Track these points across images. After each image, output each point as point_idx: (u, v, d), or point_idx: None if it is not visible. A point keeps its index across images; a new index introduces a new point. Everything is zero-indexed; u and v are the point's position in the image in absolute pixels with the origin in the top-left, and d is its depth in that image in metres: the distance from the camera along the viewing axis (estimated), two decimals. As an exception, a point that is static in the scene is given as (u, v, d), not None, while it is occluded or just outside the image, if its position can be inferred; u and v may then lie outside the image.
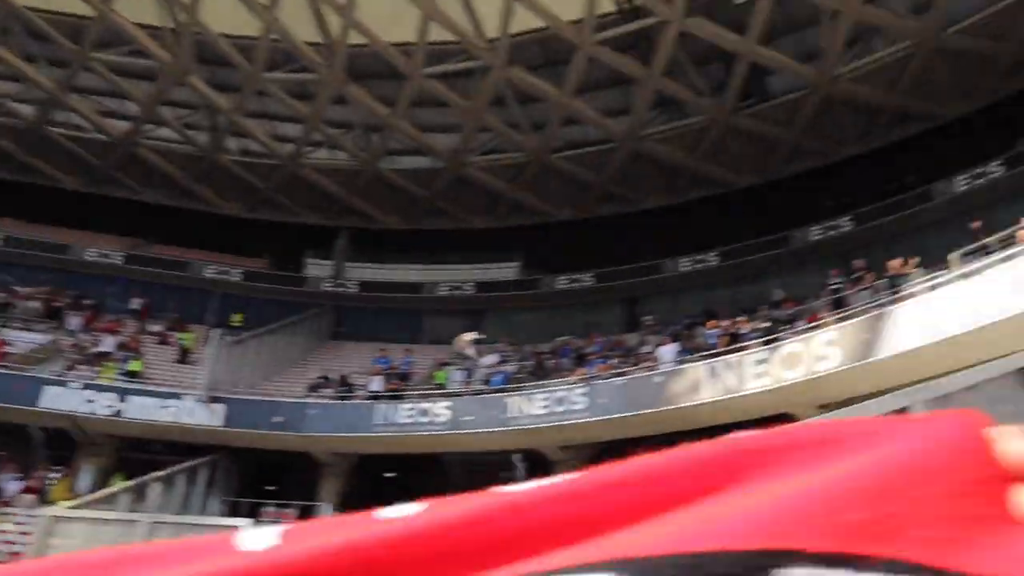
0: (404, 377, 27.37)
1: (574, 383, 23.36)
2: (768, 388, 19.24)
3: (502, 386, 24.70)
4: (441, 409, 23.45)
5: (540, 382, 24.87)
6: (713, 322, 25.15)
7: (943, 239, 26.15)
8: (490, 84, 32.02)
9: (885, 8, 27.93)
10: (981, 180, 26.31)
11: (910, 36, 28.34)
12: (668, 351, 23.90)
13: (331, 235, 36.91)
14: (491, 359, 27.64)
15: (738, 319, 24.67)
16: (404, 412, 23.63)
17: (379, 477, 25.68)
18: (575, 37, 29.80)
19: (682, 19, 28.59)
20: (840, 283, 22.71)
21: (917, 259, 20.92)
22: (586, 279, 32.64)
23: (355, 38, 31.50)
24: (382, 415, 23.83)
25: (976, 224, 22.00)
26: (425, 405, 23.70)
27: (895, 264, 20.20)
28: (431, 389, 25.93)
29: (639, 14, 30.61)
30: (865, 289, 21.63)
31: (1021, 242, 16.98)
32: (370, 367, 28.24)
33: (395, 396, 25.17)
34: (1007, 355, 5.70)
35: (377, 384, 26.19)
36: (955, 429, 0.55)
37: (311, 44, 31.98)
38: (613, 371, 23.91)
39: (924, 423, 0.56)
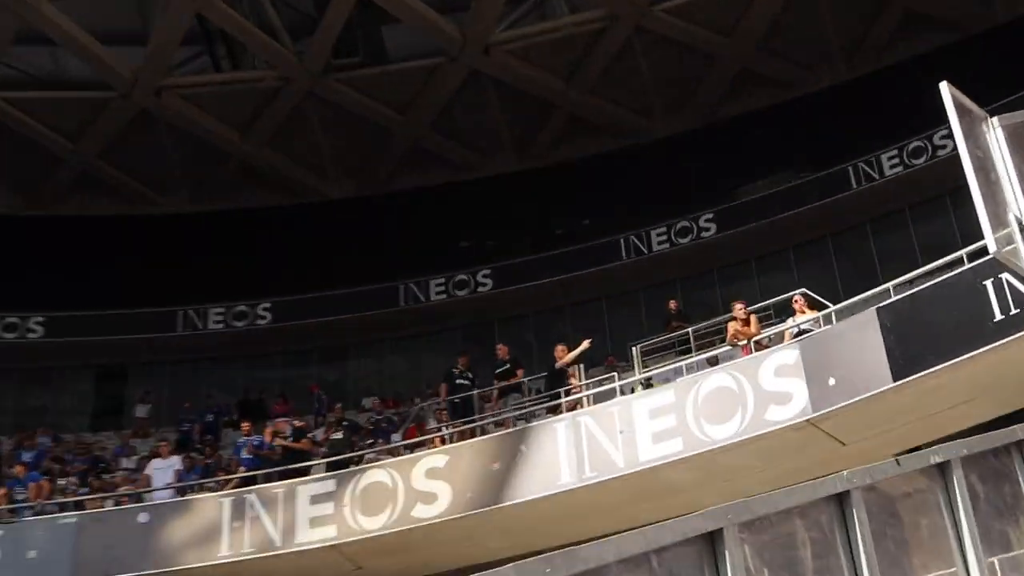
0: None
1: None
2: (332, 542, 19.49)
3: None
4: None
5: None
6: (247, 424, 24.89)
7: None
8: None
9: None
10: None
11: None
12: (166, 467, 23.36)
13: None
14: None
15: (295, 421, 24.95)
16: None
17: None
18: None
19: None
20: (466, 377, 23.48)
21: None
22: (33, 326, 31.46)
23: None
24: None
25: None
26: None
27: (560, 350, 21.33)
28: None
29: None
30: (515, 389, 22.59)
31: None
32: None
33: None
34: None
35: None
36: None
37: None
38: (66, 500, 22.92)
39: None
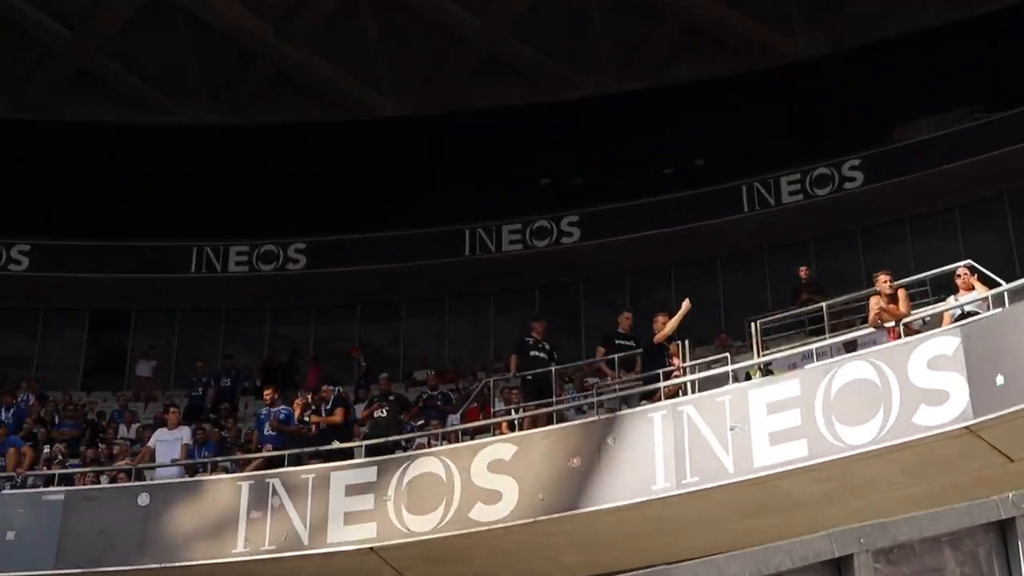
0: None
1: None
2: (371, 544, 19.68)
3: None
4: None
5: None
6: (271, 392, 25.04)
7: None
8: None
9: None
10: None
11: None
12: (173, 439, 23.52)
13: None
14: None
15: (329, 388, 25.04)
16: None
17: None
18: None
19: None
20: (542, 348, 23.67)
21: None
22: (16, 255, 31.69)
23: None
24: None
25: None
26: None
27: (660, 321, 21.30)
28: None
29: None
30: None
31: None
32: None
33: None
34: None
35: None
36: None
37: None
38: (52, 472, 23.15)
39: None
